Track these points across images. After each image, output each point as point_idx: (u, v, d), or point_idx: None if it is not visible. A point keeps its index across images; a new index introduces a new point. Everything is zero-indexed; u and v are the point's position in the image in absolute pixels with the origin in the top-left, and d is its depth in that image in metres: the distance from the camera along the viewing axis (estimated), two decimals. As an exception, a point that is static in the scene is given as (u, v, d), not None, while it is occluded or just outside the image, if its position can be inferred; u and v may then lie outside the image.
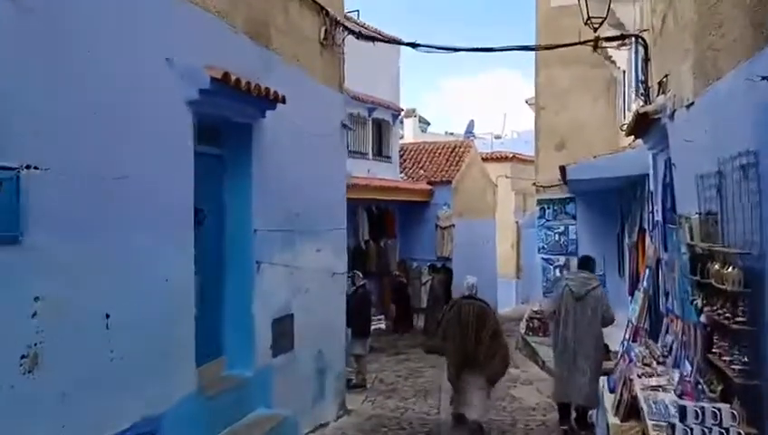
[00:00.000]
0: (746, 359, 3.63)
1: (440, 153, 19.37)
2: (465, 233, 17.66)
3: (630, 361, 5.82)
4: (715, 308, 4.20)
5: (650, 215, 7.86)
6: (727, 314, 3.96)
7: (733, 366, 3.74)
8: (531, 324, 13.00)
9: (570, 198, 13.48)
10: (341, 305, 8.30)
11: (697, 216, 4.82)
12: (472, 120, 22.10)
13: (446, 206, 17.44)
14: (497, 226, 21.38)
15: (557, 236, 13.77)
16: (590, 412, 7.46)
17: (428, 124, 32.76)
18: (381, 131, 17.09)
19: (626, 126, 7.46)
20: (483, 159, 21.41)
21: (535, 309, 13.10)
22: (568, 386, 7.39)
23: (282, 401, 6.15)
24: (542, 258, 13.91)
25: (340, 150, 8.15)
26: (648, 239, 8.31)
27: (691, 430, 3.56)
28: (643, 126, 6.68)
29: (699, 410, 3.56)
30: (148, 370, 4.29)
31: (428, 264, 15.77)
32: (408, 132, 23.89)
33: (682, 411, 3.60)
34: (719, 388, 4.10)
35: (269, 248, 6.12)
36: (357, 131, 15.90)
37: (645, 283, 7.60)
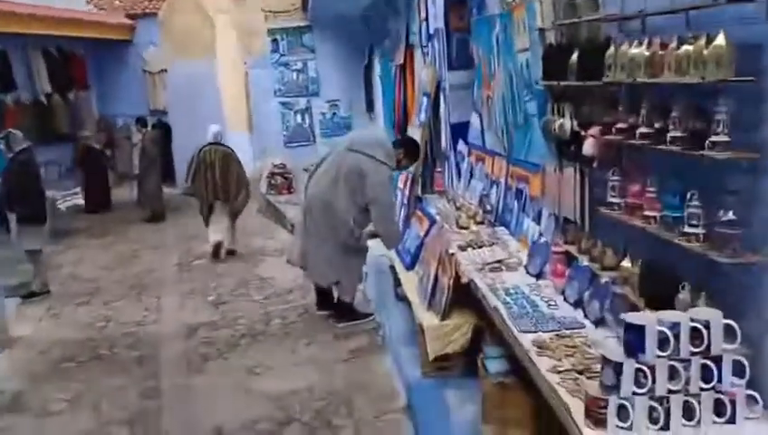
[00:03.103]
0: (731, 213, 1.84)
1: (140, -21, 15.26)
2: (183, 80, 14.31)
3: (432, 222, 3.97)
4: (616, 124, 2.35)
5: (423, 25, 5.89)
6: (658, 128, 2.13)
7: (692, 228, 1.94)
8: (272, 181, 10.79)
9: (307, 27, 11.16)
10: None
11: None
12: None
13: (154, 45, 13.85)
14: (221, 72, 18.19)
15: (294, 74, 11.46)
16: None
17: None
18: (51, -57, 12.50)
19: None
20: (196, -10, 17.66)
21: (276, 163, 10.90)
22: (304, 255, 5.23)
23: None
24: (280, 102, 11.58)
25: None
26: (418, 60, 6.42)
27: (650, 370, 1.70)
28: None
29: (670, 332, 1.69)
30: None
31: (136, 118, 12.31)
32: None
33: (634, 340, 1.69)
34: (629, 266, 2.34)
35: None
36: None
37: (423, 114, 5.76)
